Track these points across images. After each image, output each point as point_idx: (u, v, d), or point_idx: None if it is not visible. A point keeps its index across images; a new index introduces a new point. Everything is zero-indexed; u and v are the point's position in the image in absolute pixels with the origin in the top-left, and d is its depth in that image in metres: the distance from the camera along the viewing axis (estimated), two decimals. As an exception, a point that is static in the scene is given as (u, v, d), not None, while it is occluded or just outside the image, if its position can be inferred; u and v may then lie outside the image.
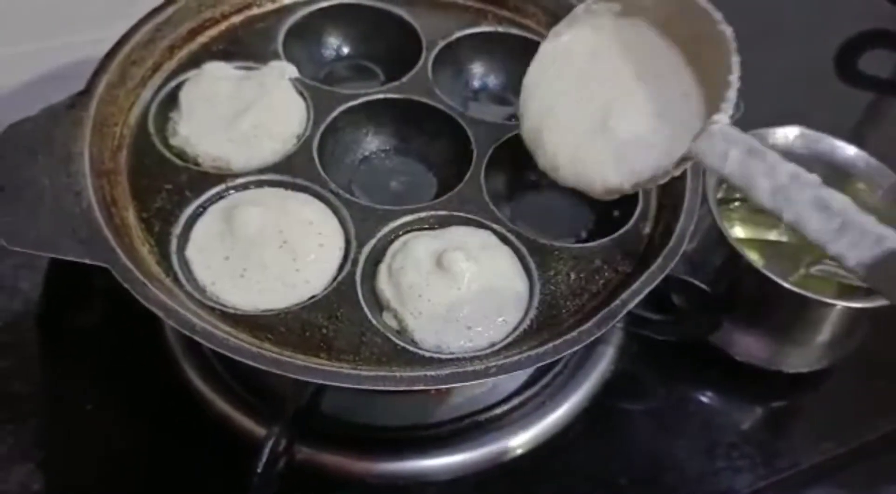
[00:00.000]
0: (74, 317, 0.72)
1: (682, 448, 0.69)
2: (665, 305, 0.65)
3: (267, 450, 0.54)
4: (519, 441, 0.66)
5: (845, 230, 0.47)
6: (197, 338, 0.51)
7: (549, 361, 0.54)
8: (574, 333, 0.54)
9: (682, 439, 0.69)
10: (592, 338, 0.54)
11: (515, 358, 0.53)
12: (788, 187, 0.50)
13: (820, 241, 0.48)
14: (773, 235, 0.78)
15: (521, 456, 0.66)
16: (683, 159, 0.55)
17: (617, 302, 0.56)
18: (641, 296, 0.56)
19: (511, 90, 0.76)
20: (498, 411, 0.67)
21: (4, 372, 0.68)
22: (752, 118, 0.72)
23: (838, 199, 0.48)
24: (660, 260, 0.58)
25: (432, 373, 0.52)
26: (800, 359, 0.72)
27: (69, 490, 0.63)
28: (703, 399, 0.72)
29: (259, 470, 0.53)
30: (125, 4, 0.71)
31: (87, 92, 0.62)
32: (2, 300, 0.72)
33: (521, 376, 0.69)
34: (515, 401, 0.67)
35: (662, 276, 0.57)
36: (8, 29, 0.79)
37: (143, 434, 0.65)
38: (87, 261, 0.54)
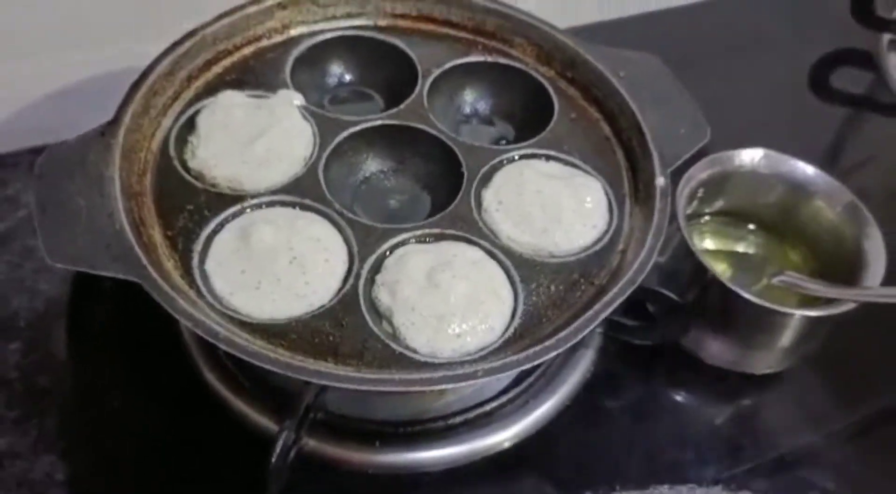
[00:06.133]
0: (98, 319, 0.76)
1: (657, 441, 0.73)
2: (641, 312, 0.70)
3: (280, 443, 0.58)
4: (507, 435, 0.70)
5: None
6: (221, 345, 0.57)
7: (528, 366, 0.59)
8: (552, 340, 0.60)
9: (657, 433, 0.74)
10: (568, 345, 0.60)
11: (500, 362, 0.59)
12: None
13: None
14: (740, 247, 0.83)
15: (510, 449, 0.70)
16: None
17: (590, 312, 0.61)
18: (613, 307, 0.62)
19: (499, 115, 0.82)
20: (487, 408, 0.71)
21: (30, 368, 0.71)
22: (722, 136, 0.77)
23: None
24: (630, 273, 0.63)
25: (427, 376, 0.58)
26: (763, 362, 0.76)
27: (91, 481, 0.67)
28: (677, 397, 0.77)
29: (273, 460, 0.58)
30: (135, 23, 0.78)
31: (115, 121, 0.67)
32: (24, 300, 0.75)
33: (507, 377, 0.73)
34: (503, 399, 0.71)
35: (632, 289, 0.62)
36: (27, 43, 0.83)
37: (162, 429, 0.69)
38: (121, 277, 0.59)
